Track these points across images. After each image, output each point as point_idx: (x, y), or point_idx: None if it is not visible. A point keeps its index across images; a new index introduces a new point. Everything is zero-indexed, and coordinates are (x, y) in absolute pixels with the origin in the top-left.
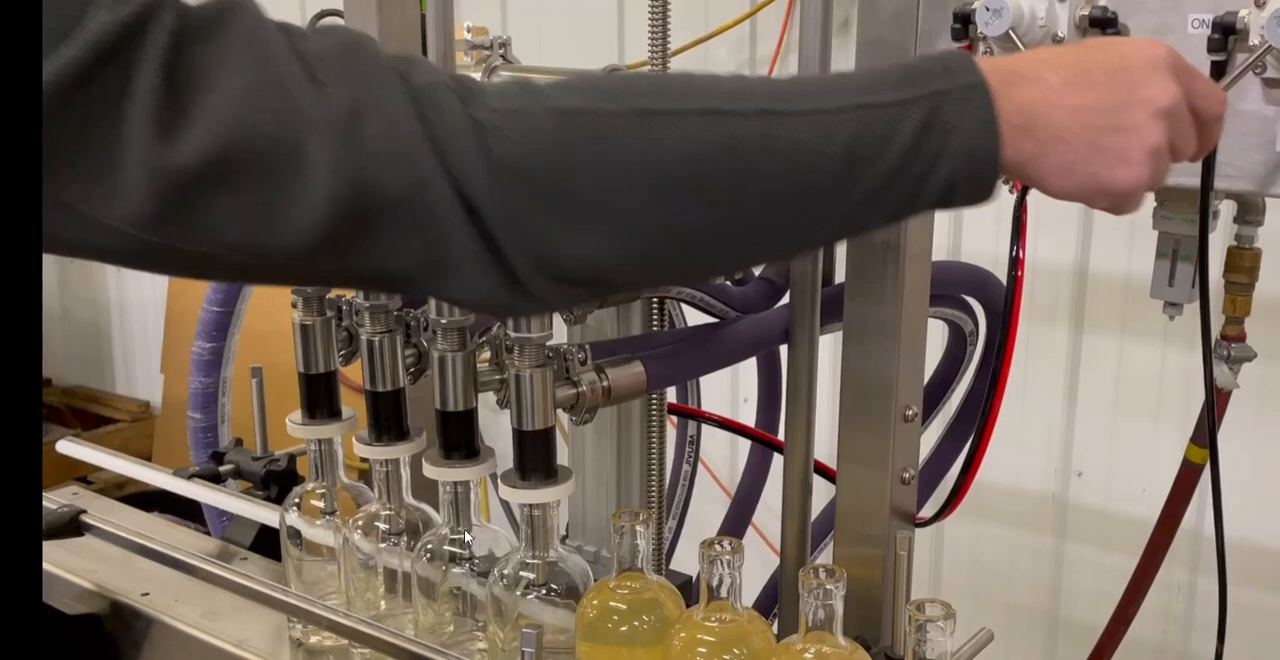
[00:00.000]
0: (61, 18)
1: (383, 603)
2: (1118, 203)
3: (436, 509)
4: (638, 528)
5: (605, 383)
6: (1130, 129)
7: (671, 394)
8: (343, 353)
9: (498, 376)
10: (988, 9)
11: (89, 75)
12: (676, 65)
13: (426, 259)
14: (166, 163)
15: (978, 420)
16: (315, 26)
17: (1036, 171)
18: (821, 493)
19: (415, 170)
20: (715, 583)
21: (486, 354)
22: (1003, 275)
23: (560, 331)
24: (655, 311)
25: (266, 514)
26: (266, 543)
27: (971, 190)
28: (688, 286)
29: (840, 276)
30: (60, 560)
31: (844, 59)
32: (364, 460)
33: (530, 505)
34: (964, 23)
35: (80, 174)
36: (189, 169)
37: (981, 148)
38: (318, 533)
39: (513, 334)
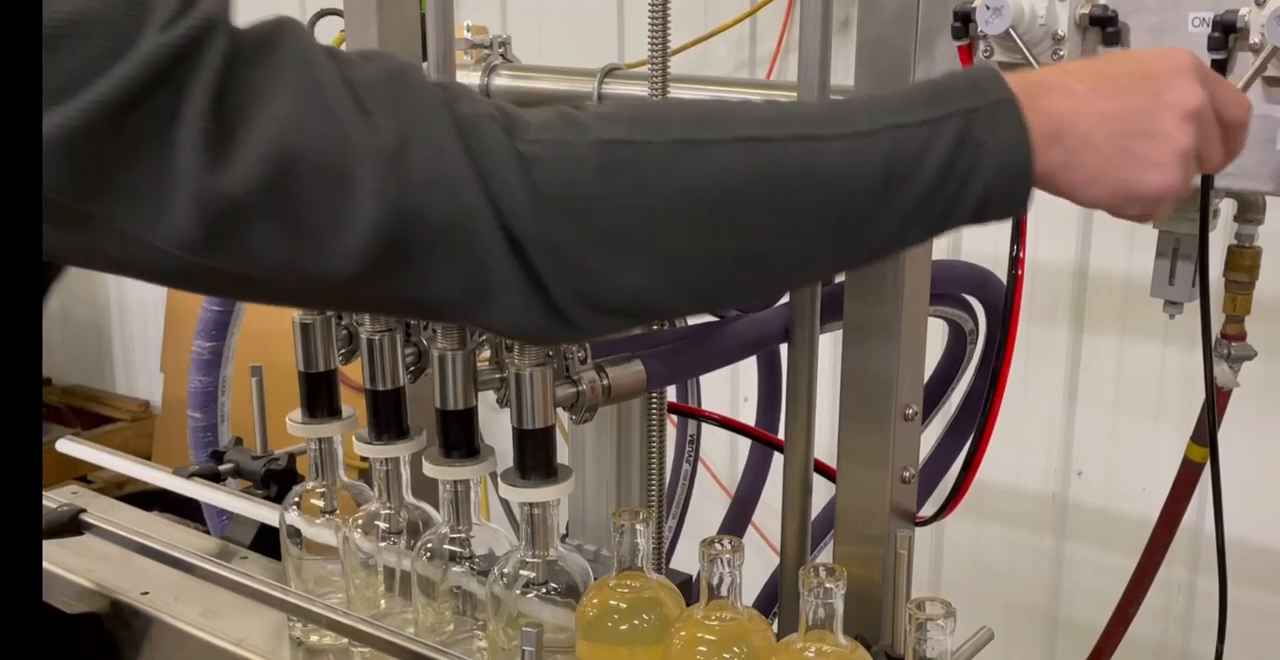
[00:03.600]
0: (116, 38)
1: (383, 602)
2: (1149, 208)
3: (436, 508)
4: (638, 527)
5: (605, 381)
6: (1159, 133)
7: (671, 393)
8: (343, 351)
9: (498, 375)
10: (988, 8)
11: (142, 95)
12: (676, 65)
13: (468, 288)
14: (214, 187)
15: (978, 419)
16: (361, 51)
17: (1066, 181)
18: (821, 492)
19: (460, 200)
20: (715, 581)
21: (486, 353)
22: (1003, 275)
23: None
24: None
25: (266, 513)
26: (266, 542)
27: (1005, 204)
28: (727, 311)
29: (840, 276)
30: (60, 559)
31: (844, 59)
32: (364, 459)
33: (530, 504)
34: (964, 21)
35: (127, 195)
36: (236, 194)
37: (1014, 162)
38: (317, 532)
39: None
